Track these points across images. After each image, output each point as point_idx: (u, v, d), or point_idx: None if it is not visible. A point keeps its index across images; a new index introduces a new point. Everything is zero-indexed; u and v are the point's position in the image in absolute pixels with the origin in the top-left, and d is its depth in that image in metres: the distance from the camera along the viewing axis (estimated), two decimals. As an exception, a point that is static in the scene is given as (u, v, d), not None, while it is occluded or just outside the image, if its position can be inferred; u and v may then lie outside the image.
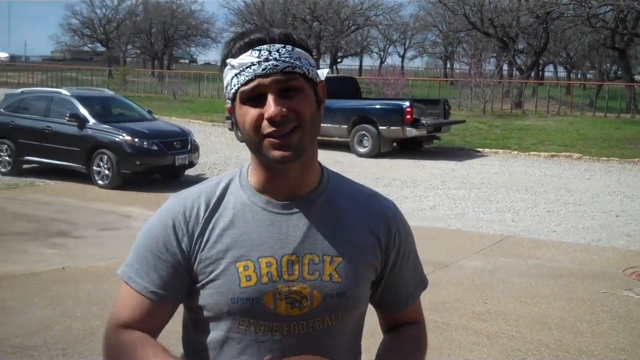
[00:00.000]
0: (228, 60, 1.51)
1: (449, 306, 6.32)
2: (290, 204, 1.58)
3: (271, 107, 1.45)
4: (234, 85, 1.50)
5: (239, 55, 1.50)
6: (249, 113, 1.48)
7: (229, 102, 1.56)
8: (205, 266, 1.54)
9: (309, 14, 51.58)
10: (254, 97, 1.48)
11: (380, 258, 1.65)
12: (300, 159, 1.51)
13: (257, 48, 1.48)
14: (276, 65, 1.47)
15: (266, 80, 1.47)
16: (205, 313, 1.56)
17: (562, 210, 11.62)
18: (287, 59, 1.48)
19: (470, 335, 5.67)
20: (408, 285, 1.75)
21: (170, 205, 1.61)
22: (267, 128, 1.47)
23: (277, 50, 1.48)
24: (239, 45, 1.51)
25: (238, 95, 1.50)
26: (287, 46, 1.50)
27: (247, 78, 1.47)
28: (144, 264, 1.59)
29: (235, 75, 1.49)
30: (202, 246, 1.55)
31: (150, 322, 1.58)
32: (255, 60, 1.47)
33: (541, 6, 32.16)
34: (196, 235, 1.56)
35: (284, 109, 1.46)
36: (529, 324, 6.01)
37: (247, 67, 1.48)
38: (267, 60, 1.47)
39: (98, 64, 65.62)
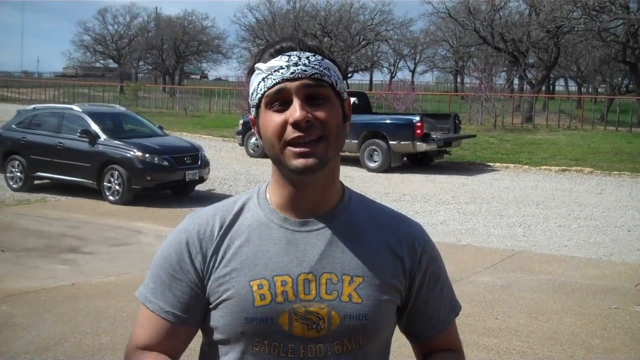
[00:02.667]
0: (257, 65, 1.47)
1: (460, 322, 6.23)
2: (308, 222, 1.52)
3: (297, 111, 1.40)
4: (260, 90, 1.45)
5: (268, 61, 1.46)
6: (273, 120, 1.43)
7: (253, 110, 1.51)
8: (219, 285, 1.49)
9: (319, 29, 51.83)
10: (280, 102, 1.43)
11: (405, 281, 1.57)
12: (322, 169, 1.45)
13: (287, 53, 1.45)
14: (305, 71, 1.43)
15: (293, 85, 1.42)
16: (219, 335, 1.50)
17: (574, 225, 11.56)
18: (316, 66, 1.45)
19: (482, 351, 5.63)
20: (438, 311, 1.66)
21: (185, 225, 1.57)
22: (290, 134, 1.42)
23: (307, 58, 1.45)
24: (269, 52, 1.48)
25: (263, 99, 1.45)
26: (317, 55, 1.47)
27: (274, 81, 1.43)
28: (159, 283, 1.54)
29: (263, 79, 1.45)
30: (215, 265, 1.50)
31: (167, 344, 1.53)
32: (284, 64, 1.43)
33: (552, 20, 32.18)
34: (210, 253, 1.50)
35: (309, 115, 1.41)
36: (540, 340, 5.97)
37: (275, 71, 1.43)
38: (296, 65, 1.43)
39: (110, 80, 66.07)
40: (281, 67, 1.43)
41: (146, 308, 1.55)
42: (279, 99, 1.43)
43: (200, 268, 1.51)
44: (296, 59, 1.44)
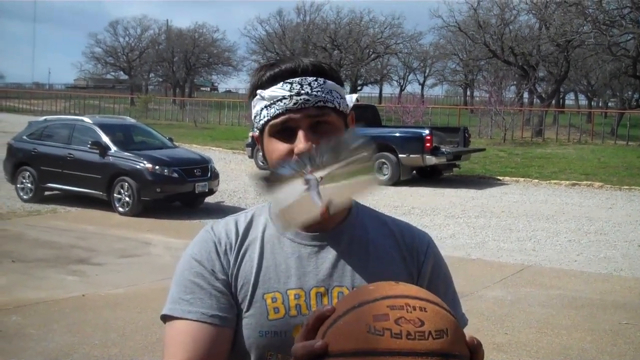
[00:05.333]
0: (258, 91, 1.49)
1: (469, 336, 6.26)
2: (318, 236, 1.54)
3: (301, 142, 1.43)
4: (264, 117, 1.48)
5: (269, 86, 1.47)
6: (278, 148, 1.46)
7: (257, 131, 1.53)
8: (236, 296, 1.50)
9: (329, 42, 52.04)
10: (284, 131, 1.46)
11: None
12: None
13: (288, 81, 1.46)
14: (308, 100, 1.45)
15: (297, 115, 1.44)
16: (233, 347, 1.49)
17: (584, 240, 11.51)
18: (318, 92, 1.46)
19: (490, 366, 5.61)
20: None
21: (205, 235, 1.56)
22: None
23: (309, 84, 1.46)
24: (269, 75, 1.49)
25: (267, 128, 1.48)
26: (319, 79, 1.48)
27: (277, 112, 1.45)
28: (196, 291, 1.48)
29: (265, 107, 1.47)
30: (235, 273, 1.50)
31: (215, 353, 1.45)
32: (286, 93, 1.45)
33: (562, 35, 32.19)
34: (232, 260, 1.51)
35: (314, 145, 1.42)
36: (550, 355, 5.94)
37: (277, 101, 1.45)
38: (298, 94, 1.45)
39: (120, 91, 66.41)
40: (284, 97, 1.45)
41: (185, 322, 1.47)
42: (283, 129, 1.46)
43: (227, 271, 1.50)
44: (298, 87, 1.45)
